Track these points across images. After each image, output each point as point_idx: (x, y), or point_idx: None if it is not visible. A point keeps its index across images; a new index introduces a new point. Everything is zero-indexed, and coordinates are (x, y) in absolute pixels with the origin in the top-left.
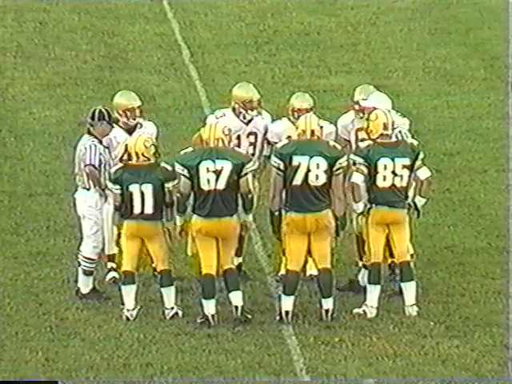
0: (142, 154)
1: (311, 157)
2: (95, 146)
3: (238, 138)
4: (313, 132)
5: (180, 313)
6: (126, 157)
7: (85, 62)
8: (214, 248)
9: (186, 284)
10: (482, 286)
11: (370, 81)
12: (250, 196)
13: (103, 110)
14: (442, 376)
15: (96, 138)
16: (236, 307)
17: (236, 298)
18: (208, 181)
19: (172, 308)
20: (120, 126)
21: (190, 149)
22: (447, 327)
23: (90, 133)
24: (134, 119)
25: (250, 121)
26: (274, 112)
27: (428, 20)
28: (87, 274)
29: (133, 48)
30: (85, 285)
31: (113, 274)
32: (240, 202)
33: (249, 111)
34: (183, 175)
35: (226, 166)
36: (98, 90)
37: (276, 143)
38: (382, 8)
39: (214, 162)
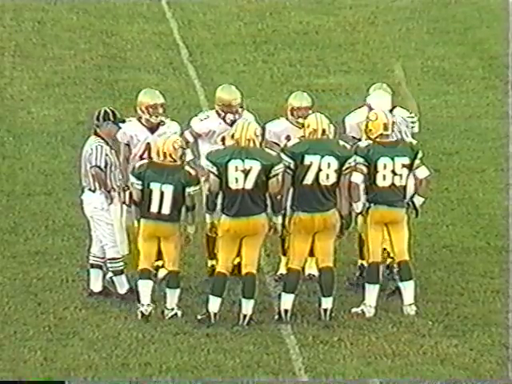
0: (170, 155)
1: (322, 156)
2: (101, 147)
3: (223, 139)
4: (324, 131)
5: (179, 313)
6: (146, 155)
7: (83, 61)
8: (236, 250)
9: (185, 283)
10: (481, 286)
11: (369, 80)
12: (278, 197)
13: (108, 111)
14: (441, 375)
15: (102, 139)
16: (244, 316)
17: (247, 306)
18: (236, 180)
19: (172, 309)
20: (142, 124)
21: (222, 146)
22: (446, 326)
23: (96, 134)
24: (157, 117)
25: (233, 122)
26: (272, 111)
27: (426, 19)
28: (118, 273)
29: (131, 47)
30: (121, 285)
31: (162, 272)
32: (269, 202)
33: (228, 114)
34: (212, 172)
35: (255, 166)
36: (97, 89)
37: (275, 143)
38: (380, 7)
39: (243, 161)
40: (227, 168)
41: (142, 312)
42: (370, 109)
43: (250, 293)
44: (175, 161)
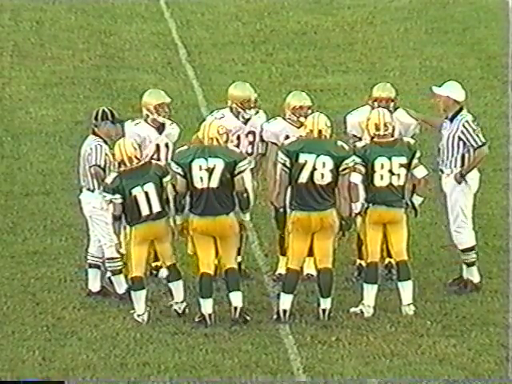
0: (135, 157)
1: (318, 155)
2: (101, 146)
3: (238, 137)
4: (320, 132)
5: (186, 310)
6: (156, 156)
7: (81, 61)
8: (211, 247)
9: (184, 283)
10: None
11: (367, 80)
12: (245, 195)
13: (106, 110)
14: (439, 375)
15: (101, 138)
16: (235, 308)
17: (236, 298)
18: (201, 179)
19: (182, 302)
20: (149, 124)
21: (185, 147)
22: (444, 326)
23: (95, 133)
24: (164, 116)
25: (248, 120)
26: (270, 111)
27: (425, 19)
28: (116, 273)
29: (129, 47)
30: (119, 285)
31: (164, 271)
32: (236, 200)
33: (247, 110)
34: (178, 173)
35: (219, 164)
36: (95, 89)
37: (273, 143)
38: (378, 7)
39: (206, 159)
40: (191, 168)
41: (138, 321)
42: (372, 108)
43: (235, 285)
44: (140, 160)
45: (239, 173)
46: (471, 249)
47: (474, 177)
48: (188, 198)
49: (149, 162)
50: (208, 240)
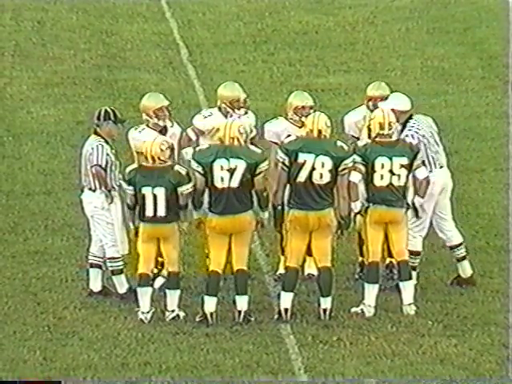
0: (158, 158)
1: (317, 155)
2: (102, 146)
3: None
4: (320, 131)
5: (181, 315)
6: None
7: (83, 61)
8: (225, 247)
9: (185, 283)
10: (480, 285)
11: (369, 80)
12: (265, 194)
13: (109, 110)
14: (440, 375)
15: (103, 138)
16: (239, 312)
17: (241, 302)
18: (222, 179)
19: (173, 311)
20: (151, 128)
21: (206, 145)
22: (445, 326)
23: (96, 133)
24: (164, 120)
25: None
26: (271, 111)
27: (426, 19)
28: (117, 273)
29: (131, 47)
30: (120, 285)
31: (158, 280)
32: (255, 199)
33: (236, 110)
34: (198, 172)
35: (240, 165)
36: (96, 89)
37: (274, 143)
38: (380, 7)
39: (228, 160)
40: (212, 167)
41: (141, 319)
42: (369, 108)
43: (243, 289)
44: (165, 162)
45: (260, 173)
46: (460, 245)
47: (435, 180)
48: (206, 197)
49: (170, 166)
50: (224, 239)
